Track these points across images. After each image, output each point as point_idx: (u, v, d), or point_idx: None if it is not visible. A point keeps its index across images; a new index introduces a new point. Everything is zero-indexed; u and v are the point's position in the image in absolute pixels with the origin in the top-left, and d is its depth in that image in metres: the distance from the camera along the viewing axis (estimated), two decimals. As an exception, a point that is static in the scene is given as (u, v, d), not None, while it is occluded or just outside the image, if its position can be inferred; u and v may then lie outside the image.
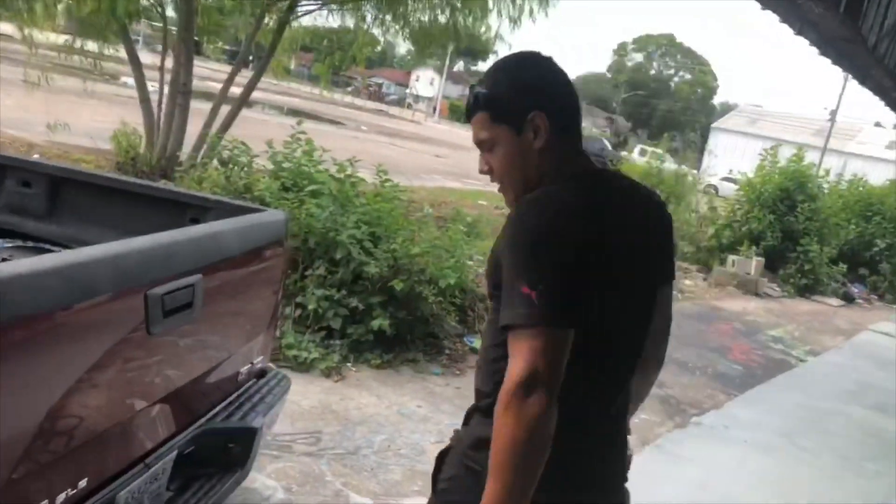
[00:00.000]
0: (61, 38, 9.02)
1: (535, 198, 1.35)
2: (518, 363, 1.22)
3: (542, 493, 1.28)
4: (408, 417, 3.96)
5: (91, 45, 8.86)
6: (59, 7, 8.25)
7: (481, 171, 1.48)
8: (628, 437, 1.56)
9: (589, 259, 1.29)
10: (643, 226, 1.45)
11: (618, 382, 1.46)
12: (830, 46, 6.09)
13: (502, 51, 9.59)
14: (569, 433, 1.30)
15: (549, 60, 1.46)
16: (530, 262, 1.26)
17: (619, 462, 1.50)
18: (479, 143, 1.45)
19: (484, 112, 1.41)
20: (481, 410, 1.41)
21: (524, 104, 1.38)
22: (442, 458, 1.48)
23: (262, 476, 3.05)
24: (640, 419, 4.76)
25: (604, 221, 1.35)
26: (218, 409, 2.25)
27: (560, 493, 1.35)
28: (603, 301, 1.33)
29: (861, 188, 14.36)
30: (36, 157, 6.70)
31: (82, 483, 1.58)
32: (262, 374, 2.59)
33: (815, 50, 6.14)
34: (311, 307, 4.57)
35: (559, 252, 1.26)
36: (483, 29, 9.21)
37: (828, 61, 6.48)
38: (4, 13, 8.19)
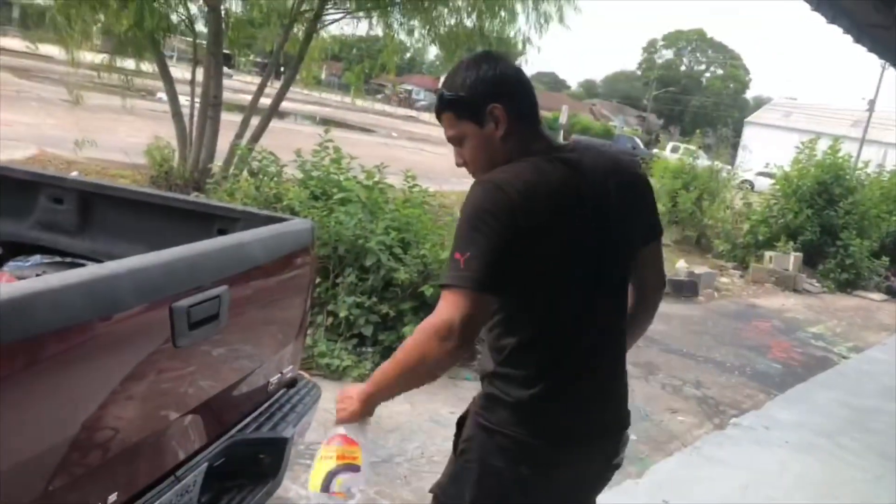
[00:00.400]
0: (99, 58, 9.24)
1: (480, 179, 1.51)
2: (439, 312, 1.41)
3: (533, 437, 1.49)
4: (440, 424, 3.94)
5: (128, 63, 9.05)
6: (96, 27, 8.46)
7: (457, 165, 1.63)
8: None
9: (526, 231, 1.43)
10: (605, 196, 1.54)
11: (595, 337, 1.59)
12: (865, 34, 5.96)
13: (531, 54, 9.53)
14: (554, 384, 1.51)
15: (500, 56, 1.62)
16: (464, 233, 1.43)
17: (609, 407, 1.64)
18: (450, 140, 1.60)
19: (449, 112, 1.57)
20: (488, 376, 1.57)
21: (482, 99, 1.53)
22: (461, 422, 1.63)
23: (296, 486, 3.05)
24: (678, 421, 4.69)
25: (550, 196, 1.47)
26: (248, 419, 2.25)
27: (547, 435, 1.51)
28: (560, 265, 1.49)
29: (902, 178, 13.99)
30: (74, 174, 6.85)
31: (112, 497, 1.58)
32: (292, 383, 2.59)
33: (849, 38, 6.01)
34: (342, 315, 4.58)
35: (489, 225, 1.41)
36: (512, 33, 9.20)
37: (863, 49, 6.35)
38: (46, 35, 8.42)
